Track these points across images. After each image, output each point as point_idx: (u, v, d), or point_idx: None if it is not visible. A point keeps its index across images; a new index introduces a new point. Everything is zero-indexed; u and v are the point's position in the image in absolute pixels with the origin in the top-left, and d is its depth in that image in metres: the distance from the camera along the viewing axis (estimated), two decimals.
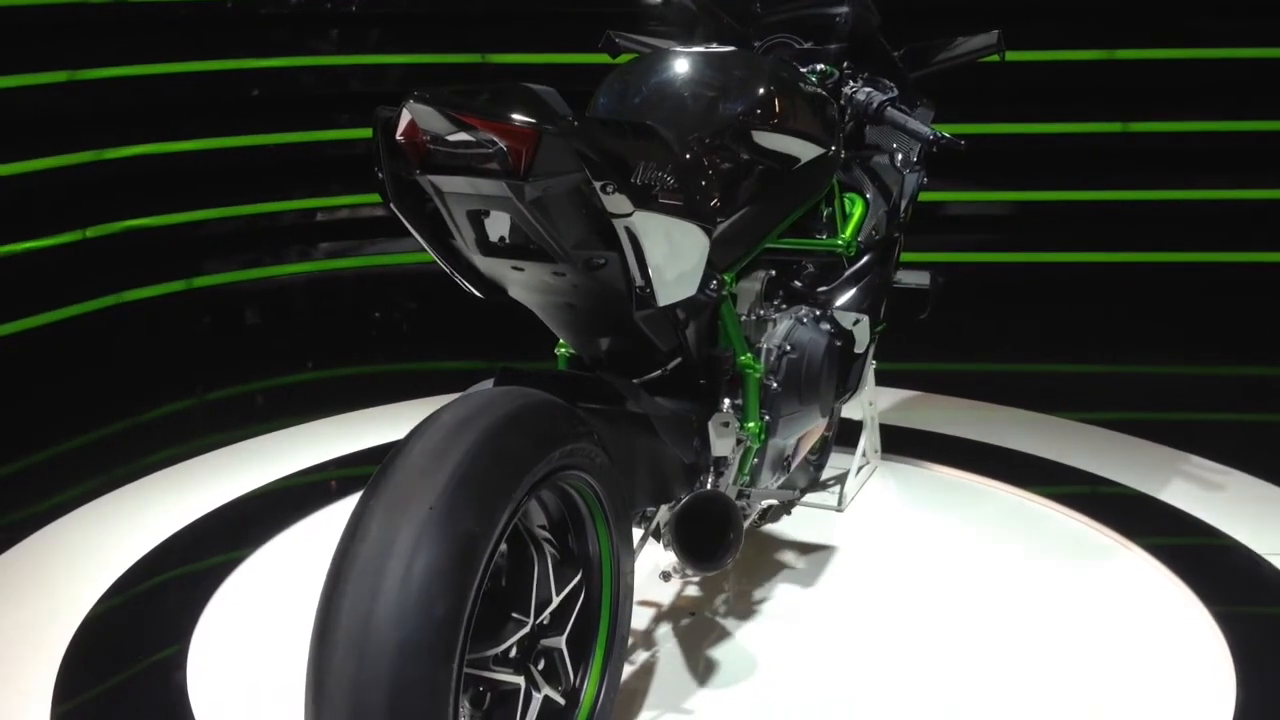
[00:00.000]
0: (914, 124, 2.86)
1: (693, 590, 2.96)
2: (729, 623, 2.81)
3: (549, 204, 1.92)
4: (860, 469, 3.58)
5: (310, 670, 1.67)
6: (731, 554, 2.34)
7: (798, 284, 2.94)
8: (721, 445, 2.51)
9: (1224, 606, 2.85)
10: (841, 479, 3.51)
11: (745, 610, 2.87)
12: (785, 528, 3.29)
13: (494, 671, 1.96)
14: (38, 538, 3.33)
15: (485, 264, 2.14)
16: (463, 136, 1.86)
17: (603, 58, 3.24)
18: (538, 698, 2.05)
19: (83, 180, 5.42)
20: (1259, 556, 3.13)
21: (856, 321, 2.95)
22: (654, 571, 2.74)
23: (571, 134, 1.87)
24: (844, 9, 3.02)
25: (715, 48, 2.81)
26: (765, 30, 3.10)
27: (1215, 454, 3.76)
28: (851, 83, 2.96)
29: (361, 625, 1.63)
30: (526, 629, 1.98)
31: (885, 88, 2.98)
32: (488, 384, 2.13)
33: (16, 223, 5.11)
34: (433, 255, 2.16)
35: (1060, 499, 3.45)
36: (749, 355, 2.58)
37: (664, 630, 2.78)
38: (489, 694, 2.01)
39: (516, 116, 1.85)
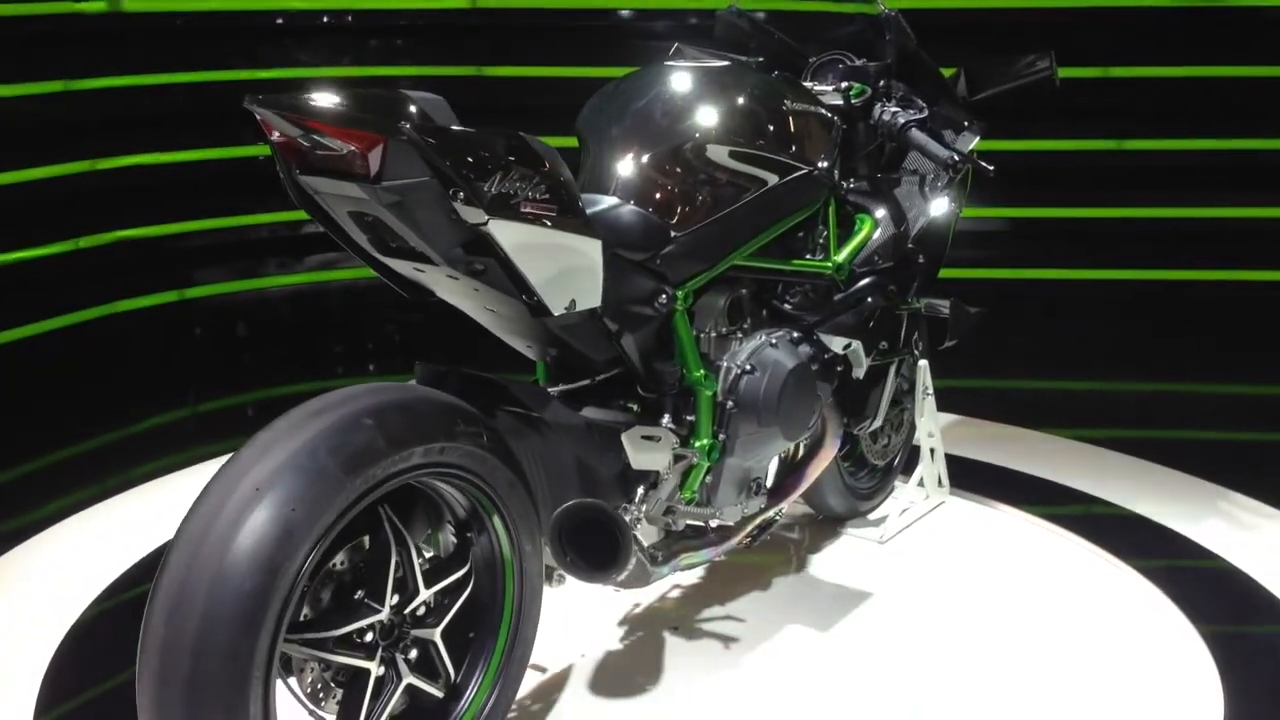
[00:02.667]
0: (933, 146, 2.83)
1: (677, 593, 2.94)
2: (710, 641, 2.78)
3: (412, 208, 1.92)
4: (908, 506, 3.43)
5: (140, 634, 1.76)
6: (618, 567, 2.22)
7: (787, 305, 2.84)
8: (645, 459, 2.39)
9: (1213, 626, 2.85)
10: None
11: (731, 627, 2.84)
12: (815, 555, 3.24)
13: (336, 653, 1.96)
14: (27, 546, 3.31)
15: (397, 265, 2.13)
16: (320, 139, 1.87)
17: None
18: (399, 686, 2.05)
19: (76, 190, 5.41)
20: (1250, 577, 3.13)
21: (848, 346, 2.87)
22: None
23: (419, 140, 1.85)
24: (883, 29, 3.01)
25: (711, 62, 2.80)
26: (819, 47, 3.10)
27: (1209, 474, 3.74)
28: (884, 101, 2.94)
29: (176, 593, 1.73)
30: (379, 616, 2.00)
31: (916, 108, 2.96)
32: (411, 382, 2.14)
33: (10, 232, 5.10)
34: (357, 256, 2.14)
35: (1057, 519, 3.43)
36: (702, 372, 2.49)
37: (642, 641, 2.76)
38: (343, 675, 2.01)
39: (362, 121, 1.87)
